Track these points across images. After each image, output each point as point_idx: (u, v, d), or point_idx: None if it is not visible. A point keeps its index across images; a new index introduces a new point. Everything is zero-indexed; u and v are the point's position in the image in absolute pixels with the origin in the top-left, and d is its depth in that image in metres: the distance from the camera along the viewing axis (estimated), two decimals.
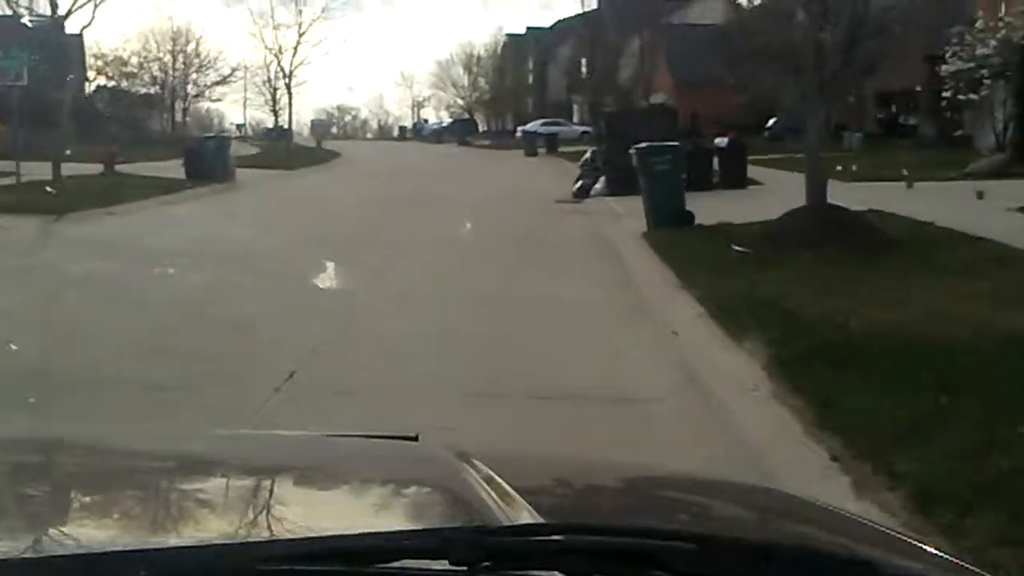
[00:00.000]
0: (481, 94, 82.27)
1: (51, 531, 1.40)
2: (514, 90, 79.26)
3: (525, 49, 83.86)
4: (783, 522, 1.62)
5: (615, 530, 1.22)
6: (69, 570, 1.14)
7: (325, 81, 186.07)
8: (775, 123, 57.30)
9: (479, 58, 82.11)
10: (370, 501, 1.69)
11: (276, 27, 51.53)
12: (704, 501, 1.69)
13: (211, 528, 1.48)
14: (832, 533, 1.55)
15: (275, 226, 17.91)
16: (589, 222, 19.18)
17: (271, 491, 1.70)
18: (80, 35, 61.64)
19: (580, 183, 24.21)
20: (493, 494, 1.45)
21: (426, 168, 36.26)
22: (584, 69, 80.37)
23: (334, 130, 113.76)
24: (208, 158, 28.22)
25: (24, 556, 1.17)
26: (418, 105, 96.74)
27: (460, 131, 67.86)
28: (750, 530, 1.52)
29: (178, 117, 68.05)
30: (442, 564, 1.13)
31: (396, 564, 1.14)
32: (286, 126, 71.62)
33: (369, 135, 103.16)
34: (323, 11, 64.61)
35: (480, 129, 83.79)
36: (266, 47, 50.84)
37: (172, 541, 1.34)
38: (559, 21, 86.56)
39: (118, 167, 29.43)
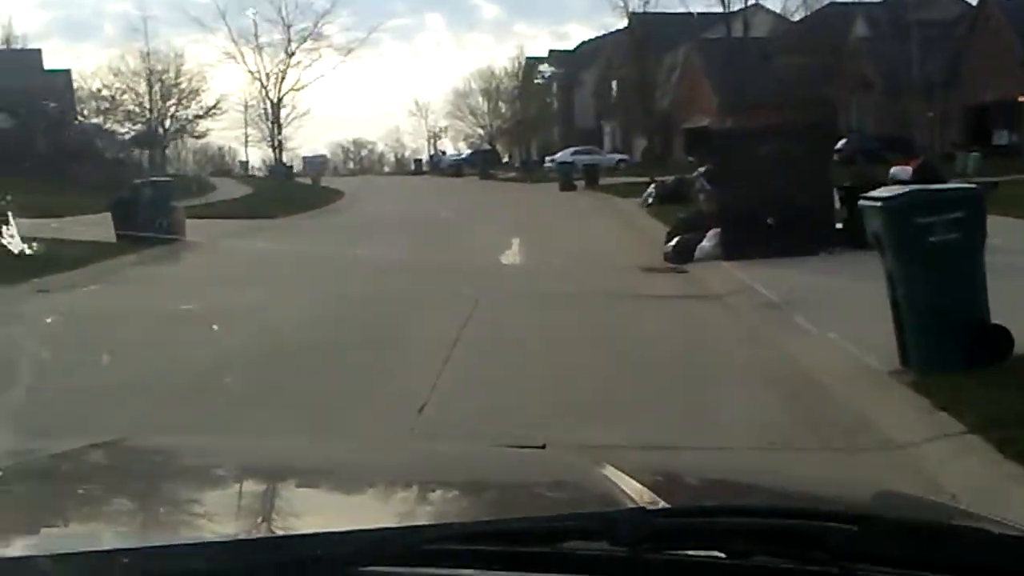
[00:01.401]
0: (502, 122, 74.21)
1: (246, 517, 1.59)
2: (538, 117, 71.09)
3: (548, 72, 75.84)
4: (905, 510, 1.51)
5: (776, 512, 1.17)
6: (259, 552, 1.14)
7: (339, 114, 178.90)
8: (845, 144, 49.07)
9: (499, 84, 74.13)
10: (524, 499, 1.67)
11: (259, 48, 43.49)
12: (838, 492, 1.63)
13: (378, 519, 1.50)
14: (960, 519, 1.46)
15: (185, 359, 8.81)
16: (737, 326, 10.33)
17: (424, 493, 1.73)
18: (67, 71, 55.13)
19: (676, 240, 15.82)
20: (638, 486, 1.43)
21: (445, 212, 28.01)
22: (615, 91, 72.30)
23: (344, 166, 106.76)
24: (145, 211, 20.07)
25: (183, 543, 1.19)
26: (434, 136, 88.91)
27: (481, 163, 59.69)
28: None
29: (181, 155, 60.39)
30: (605, 546, 1.09)
31: (561, 546, 1.11)
32: (291, 163, 63.97)
33: (387, 168, 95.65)
34: (314, 30, 56.51)
35: (503, 160, 75.68)
36: (249, 71, 42.71)
37: (347, 527, 1.31)
38: (583, 43, 78.37)
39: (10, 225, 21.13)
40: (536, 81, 70.71)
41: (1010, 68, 42.67)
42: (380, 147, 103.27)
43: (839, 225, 14.82)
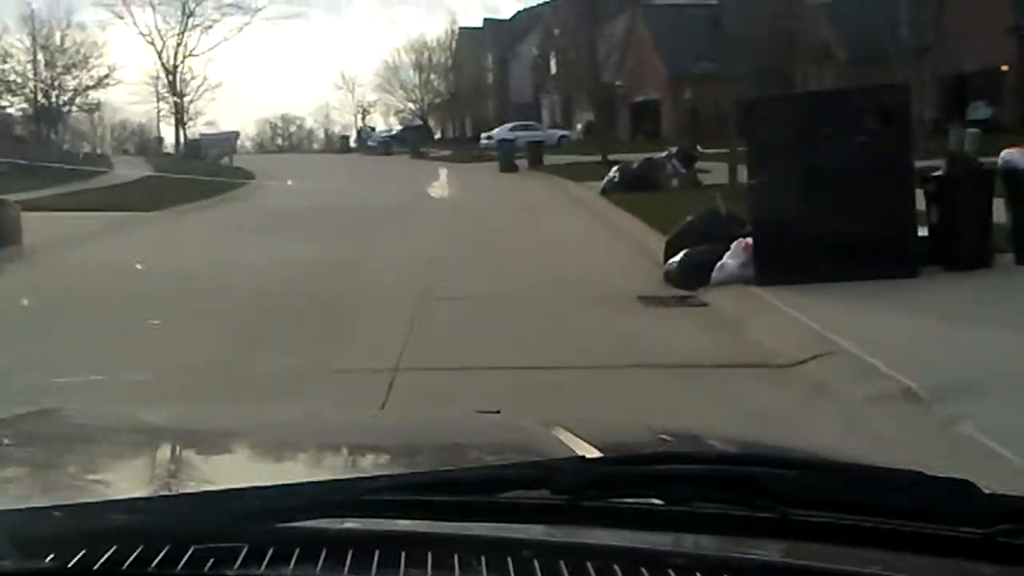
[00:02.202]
0: (435, 96, 68.93)
1: (184, 474, 1.62)
2: (473, 91, 65.94)
3: (483, 44, 70.69)
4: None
5: (716, 458, 1.17)
6: (190, 505, 1.15)
7: (268, 89, 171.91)
8: None
9: (431, 55, 68.77)
10: (467, 454, 1.68)
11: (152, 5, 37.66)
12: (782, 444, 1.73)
13: (316, 475, 1.53)
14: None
15: None
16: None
17: (365, 451, 1.75)
18: None
19: (682, 256, 10.87)
20: (584, 443, 1.46)
21: (364, 203, 22.90)
22: (554, 63, 67.34)
23: (271, 142, 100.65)
24: None
25: (168, 494, 1.22)
26: (363, 111, 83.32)
27: (412, 140, 54.47)
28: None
29: (98, 131, 54.27)
30: (545, 495, 1.11)
31: (500, 496, 1.12)
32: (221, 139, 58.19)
33: (316, 145, 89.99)
34: None
35: (435, 136, 70.44)
36: (140, 32, 36.88)
37: (285, 480, 1.31)
38: (519, 12, 73.23)
39: None
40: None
41: (993, 35, 38.49)
42: (309, 123, 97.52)
43: (922, 232, 10.13)
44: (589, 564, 1.04)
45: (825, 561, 1.08)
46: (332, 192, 26.75)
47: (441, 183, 29.50)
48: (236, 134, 56.55)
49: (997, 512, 1.10)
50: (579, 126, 61.09)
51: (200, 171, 36.74)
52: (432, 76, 68.14)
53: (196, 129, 54.97)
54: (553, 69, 66.74)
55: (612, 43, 57.35)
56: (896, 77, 46.55)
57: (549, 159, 36.66)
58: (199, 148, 53.78)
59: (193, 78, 49.52)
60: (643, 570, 1.04)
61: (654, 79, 52.53)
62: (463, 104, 63.70)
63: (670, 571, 1.04)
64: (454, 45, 67.16)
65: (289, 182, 32.12)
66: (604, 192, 22.18)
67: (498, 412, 2.22)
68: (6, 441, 1.77)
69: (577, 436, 1.52)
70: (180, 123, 49.61)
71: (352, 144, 66.55)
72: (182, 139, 54.42)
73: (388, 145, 57.07)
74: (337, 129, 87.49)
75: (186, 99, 49.50)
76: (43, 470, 1.62)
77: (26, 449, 1.76)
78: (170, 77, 48.28)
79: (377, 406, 6.03)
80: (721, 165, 22.99)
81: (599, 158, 34.92)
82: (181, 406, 4.82)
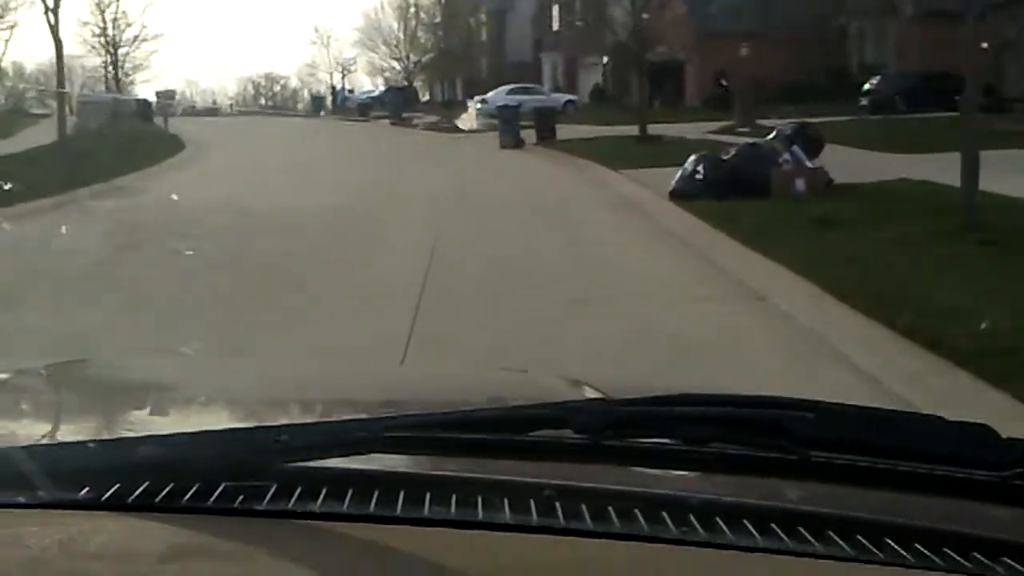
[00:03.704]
0: (422, 54, 59.96)
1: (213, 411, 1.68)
2: (465, 48, 56.93)
3: None
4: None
5: (734, 400, 1.17)
6: (219, 443, 1.13)
7: (250, 47, 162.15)
8: (879, 83, 35.99)
9: (417, 7, 59.71)
10: (492, 402, 1.63)
11: None
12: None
13: (346, 413, 1.56)
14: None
15: None
16: None
17: (386, 396, 1.79)
18: None
19: None
20: (608, 396, 1.47)
21: (308, 207, 14.33)
22: (557, 17, 58.41)
23: (255, 102, 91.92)
24: None
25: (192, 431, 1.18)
26: (344, 70, 74.30)
27: (395, 103, 45.67)
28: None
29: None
30: (567, 434, 1.10)
31: (523, 436, 1.11)
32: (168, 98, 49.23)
33: (301, 106, 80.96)
34: None
35: (422, 99, 61.49)
36: None
37: (308, 419, 1.37)
38: None
39: None
40: None
41: None
42: (294, 82, 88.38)
43: None
44: (610, 507, 1.04)
45: (843, 503, 1.07)
46: (278, 171, 18.13)
47: (422, 167, 20.72)
48: (172, 93, 47.64)
49: (1013, 456, 1.08)
50: (586, 90, 52.32)
51: (122, 138, 28.00)
52: (419, 31, 59.13)
53: (137, 88, 46.30)
54: (556, 24, 57.88)
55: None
56: (969, 36, 38.44)
57: (561, 131, 28.04)
58: (143, 108, 44.88)
59: (129, 25, 40.79)
60: (663, 513, 1.04)
61: (677, 36, 43.67)
62: (453, 63, 54.78)
63: (690, 515, 1.04)
64: None
65: (227, 157, 23.28)
66: (679, 196, 13.65)
67: (525, 371, 2.32)
68: (40, 386, 1.79)
69: (601, 391, 1.52)
70: (115, 80, 40.79)
71: (325, 107, 57.62)
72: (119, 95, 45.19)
73: (366, 109, 48.21)
74: (323, 88, 78.23)
75: (121, 51, 40.89)
76: (76, 411, 1.65)
77: (59, 393, 1.80)
78: (101, 25, 39.36)
79: None
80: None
81: (633, 131, 26.33)
82: (211, 356, 4.80)
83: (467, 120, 38.49)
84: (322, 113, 55.63)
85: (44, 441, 1.27)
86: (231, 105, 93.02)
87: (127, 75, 42.33)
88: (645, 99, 27.02)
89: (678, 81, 46.63)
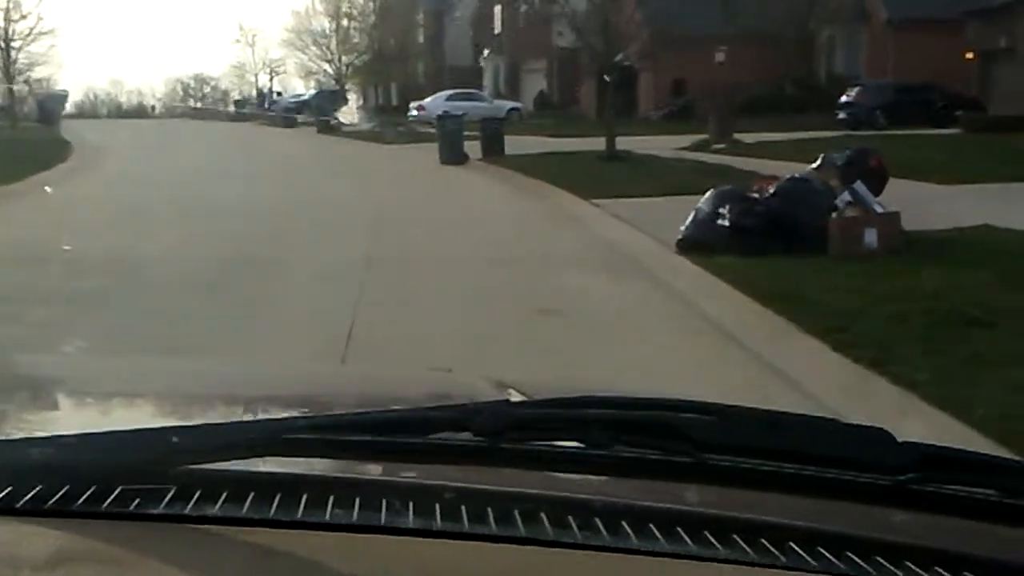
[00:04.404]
0: (355, 56, 55.46)
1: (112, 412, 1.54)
2: (400, 49, 52.58)
3: None
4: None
5: (637, 403, 1.16)
6: (116, 445, 1.08)
7: (181, 46, 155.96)
8: (858, 96, 32.25)
9: (350, 5, 55.19)
10: (404, 404, 1.48)
11: None
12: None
13: (251, 415, 1.49)
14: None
15: None
16: None
17: (293, 399, 1.67)
18: None
19: None
20: (517, 393, 1.46)
21: (182, 237, 10.07)
22: (500, 19, 54.34)
23: (184, 104, 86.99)
24: None
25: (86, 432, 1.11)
26: (271, 72, 69.59)
27: (322, 108, 41.22)
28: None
29: None
30: (468, 437, 1.07)
31: (424, 438, 1.08)
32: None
33: (231, 108, 76.11)
34: None
35: (354, 104, 57.01)
36: None
37: (212, 420, 1.33)
38: None
39: None
40: None
41: None
42: (224, 83, 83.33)
43: None
44: (515, 510, 1.04)
45: (743, 505, 1.08)
46: (154, 200, 13.74)
47: (332, 195, 16.24)
48: (63, 94, 42.68)
49: (908, 460, 1.09)
50: (530, 96, 48.29)
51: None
52: (351, 31, 54.63)
53: (29, 85, 41.13)
54: (498, 26, 53.85)
55: None
56: (947, 46, 35.12)
57: (507, 143, 23.89)
58: (46, 111, 39.93)
59: (23, 16, 35.87)
60: (568, 516, 1.03)
61: (629, 40, 39.80)
62: (388, 65, 50.39)
63: (595, 518, 1.03)
64: None
65: (113, 169, 18.71)
66: (693, 247, 9.57)
67: (449, 370, 2.21)
68: None
69: (523, 392, 1.48)
70: (7, 75, 35.81)
71: (247, 110, 52.91)
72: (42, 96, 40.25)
73: (291, 115, 43.64)
74: (253, 92, 73.20)
75: (13, 44, 35.88)
76: None
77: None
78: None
79: None
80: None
81: (592, 145, 22.26)
82: (119, 356, 4.52)
83: (400, 130, 34.20)
84: (246, 114, 50.88)
85: None
86: (152, 107, 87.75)
87: (19, 72, 37.40)
88: (611, 109, 22.84)
89: (631, 90, 42.70)
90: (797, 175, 10.03)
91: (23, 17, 35.62)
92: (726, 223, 9.60)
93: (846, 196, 9.36)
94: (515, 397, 1.45)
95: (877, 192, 9.87)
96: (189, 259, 9.78)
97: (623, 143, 22.13)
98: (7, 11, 35.49)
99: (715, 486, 1.10)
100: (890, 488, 1.07)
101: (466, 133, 23.68)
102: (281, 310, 7.71)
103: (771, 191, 9.67)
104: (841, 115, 30.84)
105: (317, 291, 8.46)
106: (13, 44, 35.47)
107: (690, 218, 10.07)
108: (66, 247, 9.78)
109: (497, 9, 53.62)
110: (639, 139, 24.48)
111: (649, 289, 8.66)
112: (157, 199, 14.81)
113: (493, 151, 22.77)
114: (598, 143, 23.28)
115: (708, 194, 10.15)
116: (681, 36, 38.97)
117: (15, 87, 36.42)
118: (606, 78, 22.94)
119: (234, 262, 9.66)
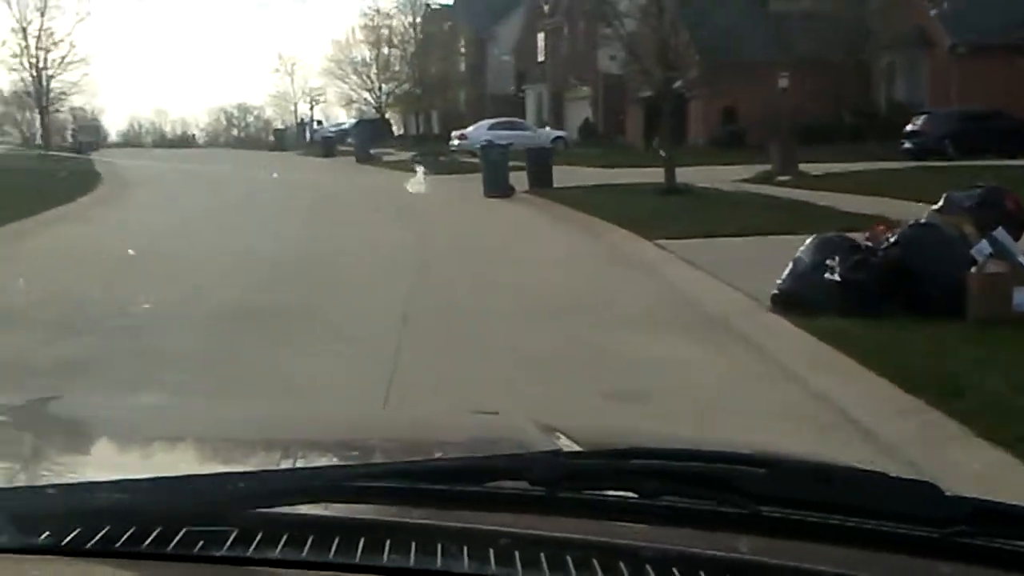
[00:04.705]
0: (396, 84, 54.26)
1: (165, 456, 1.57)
2: (442, 78, 51.29)
3: (454, 22, 56.15)
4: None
5: (688, 455, 1.17)
6: (180, 489, 1.12)
7: (225, 75, 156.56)
8: (924, 125, 30.37)
9: (391, 33, 54.04)
10: (457, 450, 1.60)
11: None
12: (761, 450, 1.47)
13: (309, 461, 1.53)
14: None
15: None
16: None
17: (346, 445, 1.66)
18: None
19: None
20: (567, 441, 1.45)
21: (198, 283, 8.73)
22: (543, 47, 52.95)
23: (228, 134, 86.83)
24: None
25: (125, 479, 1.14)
26: (314, 101, 68.67)
27: (361, 138, 39.91)
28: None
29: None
30: (523, 486, 1.10)
31: (480, 486, 1.11)
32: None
33: (272, 138, 75.47)
34: None
35: (395, 133, 55.78)
36: None
37: (274, 465, 1.35)
38: None
39: None
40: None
41: None
42: (268, 112, 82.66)
43: None
44: (568, 556, 1.04)
45: (793, 556, 1.08)
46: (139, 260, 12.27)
47: (368, 236, 14.67)
48: (97, 125, 41.58)
49: (956, 513, 1.09)
50: (575, 126, 46.74)
51: (25, 180, 22.08)
52: (392, 58, 53.44)
53: (63, 115, 40.25)
54: (541, 54, 52.47)
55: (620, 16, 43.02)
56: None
57: (555, 173, 22.29)
58: (83, 141, 38.93)
59: (55, 44, 34.76)
60: (620, 563, 1.03)
61: (687, 65, 38.18)
62: (428, 94, 49.10)
63: (647, 565, 1.03)
64: (419, 22, 52.44)
65: (112, 217, 17.33)
66: (792, 305, 7.92)
67: (496, 413, 2.21)
68: (4, 425, 1.75)
69: (572, 438, 1.46)
70: (41, 108, 34.67)
71: (294, 140, 51.80)
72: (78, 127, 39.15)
73: (329, 144, 42.34)
74: (297, 121, 72.27)
75: (45, 73, 34.79)
76: (40, 454, 1.59)
77: (24, 434, 1.72)
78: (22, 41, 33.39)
79: None
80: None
81: (644, 176, 20.63)
82: (178, 398, 4.71)
83: (441, 160, 32.73)
84: (285, 143, 49.75)
85: (3, 485, 1.25)
86: (193, 136, 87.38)
87: (53, 101, 36.33)
88: (669, 138, 21.21)
89: (680, 118, 41.01)
90: (922, 220, 8.29)
91: (55, 45, 34.59)
92: (835, 277, 7.91)
93: (985, 246, 7.63)
94: (564, 443, 1.43)
95: (1016, 239, 8.14)
96: (183, 322, 8.21)
97: (678, 175, 20.49)
98: (39, 39, 34.44)
99: (763, 537, 1.08)
100: (937, 541, 1.06)
101: (511, 163, 22.14)
102: (291, 395, 6.09)
103: (890, 239, 7.97)
104: (907, 144, 28.97)
105: (342, 362, 6.86)
106: (46, 71, 34.38)
107: (787, 270, 8.38)
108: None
109: (540, 36, 52.28)
110: (693, 170, 22.77)
111: (748, 362, 6.98)
112: (172, 242, 13.35)
113: (540, 183, 21.21)
114: (650, 174, 21.63)
115: (809, 242, 8.46)
116: (733, 62, 37.42)
117: (47, 117, 35.33)
118: (661, 105, 21.15)
119: (233, 321, 8.09)
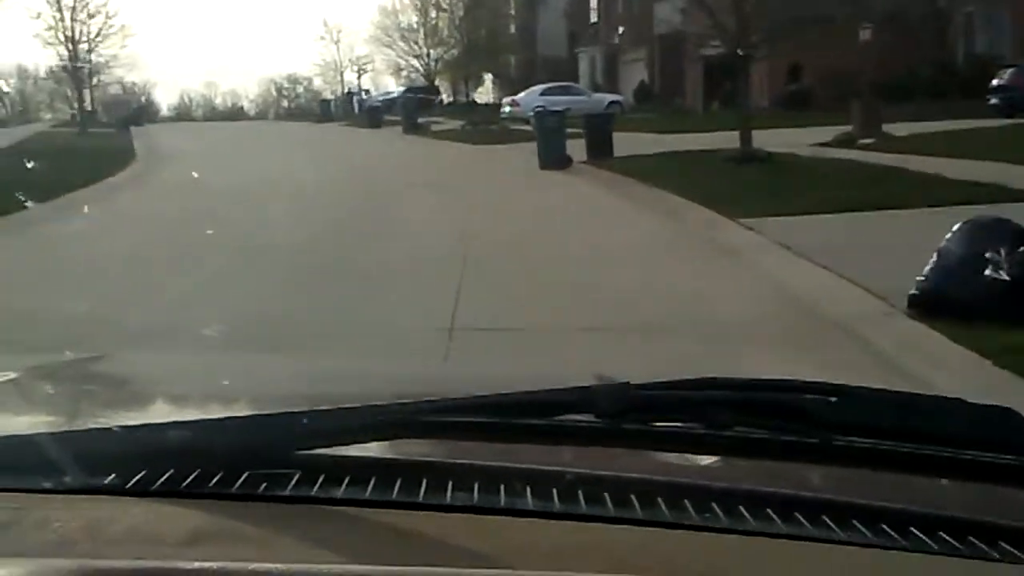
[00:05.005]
0: (444, 50, 52.47)
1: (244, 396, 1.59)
2: (491, 42, 49.41)
3: None
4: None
5: (756, 384, 1.15)
6: (244, 428, 1.13)
7: (275, 47, 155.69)
8: (1012, 78, 28.13)
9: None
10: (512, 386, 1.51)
11: None
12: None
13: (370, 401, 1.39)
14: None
15: None
16: None
17: (423, 389, 1.58)
18: None
19: None
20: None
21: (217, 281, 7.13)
22: (596, 8, 50.84)
23: (279, 106, 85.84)
24: None
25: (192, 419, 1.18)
26: (361, 70, 67.10)
27: (411, 106, 38.27)
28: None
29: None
30: (589, 418, 1.08)
31: (547, 419, 1.09)
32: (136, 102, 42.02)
33: (332, 109, 73.90)
34: None
35: (443, 101, 54.04)
36: None
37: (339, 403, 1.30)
38: None
39: None
40: None
41: None
42: (317, 83, 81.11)
43: None
44: (632, 494, 1.03)
45: (868, 487, 1.06)
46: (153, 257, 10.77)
47: (410, 218, 12.95)
48: (129, 98, 40.21)
49: None
50: (629, 90, 44.70)
51: (51, 158, 20.72)
52: (439, 23, 51.64)
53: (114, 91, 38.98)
54: (595, 15, 50.38)
55: None
56: None
57: (614, 141, 20.45)
58: (125, 115, 37.70)
59: (91, 16, 33.33)
60: (685, 500, 1.03)
61: (761, 20, 35.86)
62: (477, 59, 47.27)
63: (712, 502, 1.02)
64: None
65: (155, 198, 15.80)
66: (938, 309, 6.19)
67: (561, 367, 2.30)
68: (66, 377, 1.78)
69: None
70: (78, 74, 33.31)
71: (333, 110, 50.30)
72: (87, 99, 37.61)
73: (377, 114, 40.73)
74: (347, 90, 70.60)
75: (81, 46, 33.47)
76: (101, 401, 1.64)
77: (85, 384, 1.77)
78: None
79: None
80: None
81: (709, 141, 18.80)
82: (240, 353, 4.73)
83: (492, 129, 31.01)
84: (332, 113, 48.24)
85: (70, 428, 1.25)
86: (242, 108, 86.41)
87: (90, 74, 35.00)
88: (745, 97, 19.36)
89: (741, 77, 38.81)
90: None
91: (91, 16, 33.24)
92: (1000, 275, 6.13)
93: None
94: None
95: None
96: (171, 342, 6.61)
97: (768, 137, 18.61)
98: (73, 10, 33.07)
99: (835, 466, 1.07)
100: (1017, 467, 1.04)
101: (566, 131, 20.33)
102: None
103: None
104: (993, 100, 26.78)
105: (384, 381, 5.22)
106: (82, 44, 33.11)
107: (930, 263, 6.61)
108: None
109: None
110: (765, 134, 20.85)
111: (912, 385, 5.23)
112: (193, 231, 11.78)
113: (600, 152, 19.41)
114: (717, 140, 19.79)
115: (958, 228, 6.67)
116: (799, 16, 35.14)
117: (83, 92, 34.05)
118: (735, 63, 19.26)
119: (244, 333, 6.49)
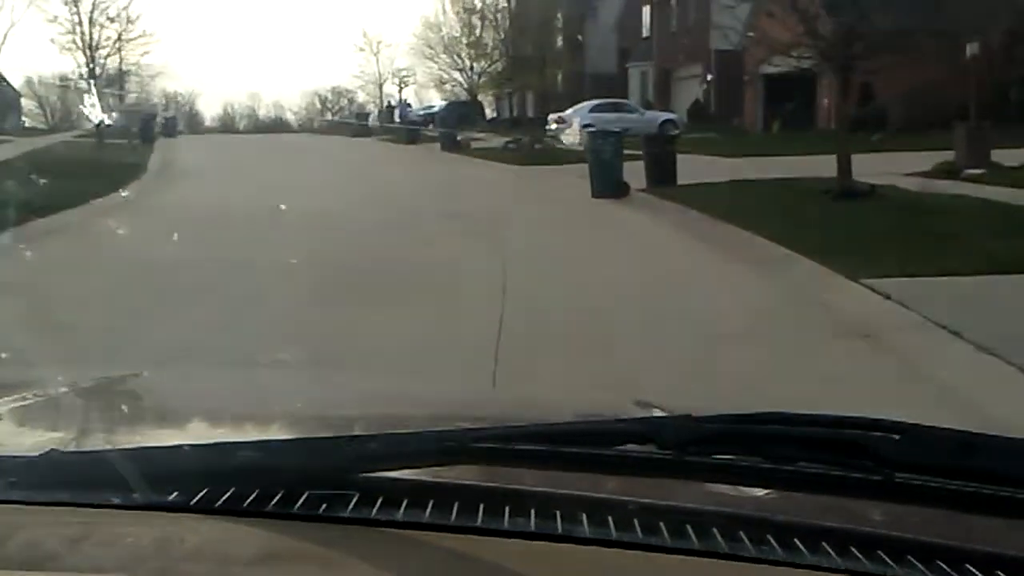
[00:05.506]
0: (488, 63, 50.02)
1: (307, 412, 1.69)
2: (537, 57, 46.84)
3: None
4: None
5: (818, 420, 1.13)
6: (305, 450, 1.15)
7: (320, 60, 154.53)
8: None
9: (483, 9, 49.84)
10: (574, 414, 1.68)
11: None
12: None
13: (428, 426, 1.46)
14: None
15: None
16: None
17: (481, 415, 1.70)
18: None
19: None
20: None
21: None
22: (648, 22, 48.21)
23: (321, 117, 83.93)
24: None
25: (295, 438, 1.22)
26: (402, 83, 64.87)
27: (450, 121, 35.81)
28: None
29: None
30: (652, 449, 1.07)
31: (608, 450, 1.09)
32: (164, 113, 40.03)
33: (370, 123, 71.67)
34: None
35: (487, 116, 51.58)
36: None
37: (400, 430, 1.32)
38: None
39: None
40: None
41: None
42: (360, 96, 79.04)
43: None
44: (688, 524, 1.03)
45: (928, 525, 1.05)
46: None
47: (444, 261, 10.31)
48: (153, 111, 38.14)
49: None
50: (683, 107, 41.99)
51: (53, 172, 18.38)
52: (484, 36, 49.20)
53: (130, 97, 37.01)
54: (647, 30, 47.74)
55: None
56: None
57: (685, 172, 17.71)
58: (144, 125, 35.59)
59: (110, 20, 31.24)
60: (741, 532, 1.02)
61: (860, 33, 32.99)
62: (522, 73, 44.76)
63: (768, 535, 1.02)
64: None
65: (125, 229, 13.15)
66: None
67: (610, 394, 2.34)
68: (133, 392, 1.81)
69: None
70: (92, 81, 31.19)
71: (372, 122, 48.03)
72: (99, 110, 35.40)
73: (415, 129, 38.30)
74: (390, 103, 68.36)
75: (100, 53, 31.35)
76: (168, 417, 1.64)
77: (151, 400, 1.78)
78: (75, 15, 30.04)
79: None
80: None
81: (786, 166, 16.02)
82: (295, 368, 4.68)
83: (537, 148, 28.46)
84: (368, 127, 45.96)
85: (138, 445, 1.26)
86: (285, 120, 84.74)
87: (109, 82, 32.91)
88: (846, 122, 16.62)
89: (807, 97, 36.05)
90: None
91: (110, 20, 31.16)
92: None
93: None
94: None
95: None
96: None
97: (819, 164, 15.84)
98: (91, 16, 31.00)
99: (896, 504, 1.06)
100: None
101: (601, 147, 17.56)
102: None
103: None
104: None
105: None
106: (100, 50, 31.07)
107: None
108: None
109: (646, 10, 47.58)
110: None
111: None
112: (163, 272, 9.27)
113: (662, 179, 16.72)
114: (792, 165, 17.08)
115: None
116: (868, 35, 32.32)
117: (93, 99, 32.00)
118: (842, 77, 16.55)
119: None
